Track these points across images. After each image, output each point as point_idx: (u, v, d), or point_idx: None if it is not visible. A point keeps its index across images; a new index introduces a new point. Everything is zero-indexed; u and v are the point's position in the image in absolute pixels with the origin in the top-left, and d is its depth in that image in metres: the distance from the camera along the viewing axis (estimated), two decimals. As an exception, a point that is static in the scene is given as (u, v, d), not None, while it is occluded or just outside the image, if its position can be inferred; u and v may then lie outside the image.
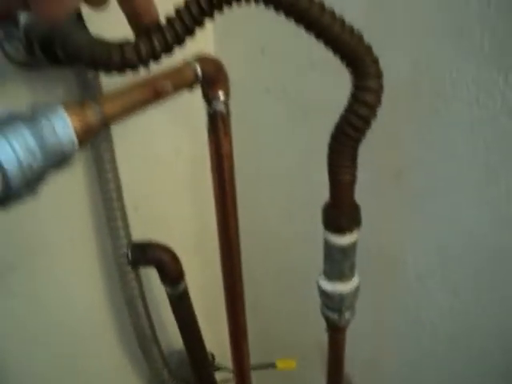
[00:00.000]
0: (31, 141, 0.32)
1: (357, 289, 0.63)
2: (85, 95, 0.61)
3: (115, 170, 0.68)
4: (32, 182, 0.33)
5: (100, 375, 0.85)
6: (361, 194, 0.55)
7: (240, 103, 0.66)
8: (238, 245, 0.63)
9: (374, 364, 0.88)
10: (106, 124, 0.39)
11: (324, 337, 0.71)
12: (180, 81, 0.49)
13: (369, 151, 0.52)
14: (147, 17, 0.39)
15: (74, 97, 0.64)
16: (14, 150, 0.31)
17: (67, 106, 0.34)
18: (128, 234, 0.72)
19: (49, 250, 0.71)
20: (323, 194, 0.53)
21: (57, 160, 0.34)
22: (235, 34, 0.79)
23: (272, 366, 0.93)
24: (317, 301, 0.64)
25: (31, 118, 0.33)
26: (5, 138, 0.32)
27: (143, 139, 0.80)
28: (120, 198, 0.69)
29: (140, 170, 0.79)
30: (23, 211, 0.61)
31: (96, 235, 0.76)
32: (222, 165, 0.56)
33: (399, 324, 0.78)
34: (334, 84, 0.57)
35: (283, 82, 0.76)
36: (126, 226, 0.72)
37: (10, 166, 0.31)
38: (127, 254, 0.72)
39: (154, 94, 0.45)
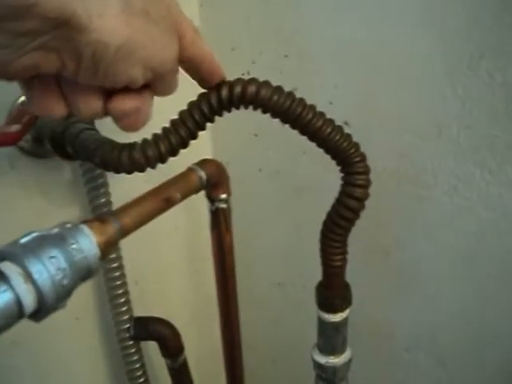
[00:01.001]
0: (61, 260, 0.37)
1: (349, 361, 0.67)
2: (90, 184, 0.66)
3: (118, 248, 0.73)
4: (62, 296, 0.37)
5: None
6: (351, 270, 0.60)
7: (234, 183, 0.72)
8: (237, 319, 0.68)
9: None
10: (124, 236, 0.44)
11: None
12: (187, 188, 0.54)
13: (359, 231, 0.57)
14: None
15: (78, 184, 0.68)
16: (47, 271, 0.36)
17: (90, 225, 0.39)
18: (130, 310, 0.76)
19: (54, 327, 0.74)
20: (315, 266, 0.58)
21: (83, 274, 0.39)
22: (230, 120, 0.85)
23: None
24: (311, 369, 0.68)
25: (60, 239, 0.38)
26: (39, 260, 0.37)
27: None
28: (122, 275, 0.73)
29: (140, 245, 0.83)
30: None
31: (99, 312, 0.80)
32: (224, 259, 0.61)
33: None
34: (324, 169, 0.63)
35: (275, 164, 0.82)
36: (128, 302, 0.76)
37: (45, 286, 0.36)
38: (129, 329, 0.76)
39: (165, 203, 0.50)
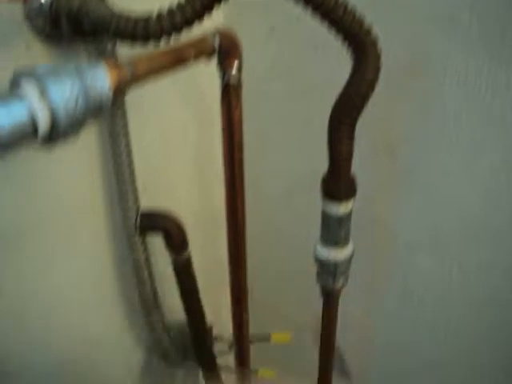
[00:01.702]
0: (77, 88, 0.39)
1: (351, 255, 0.69)
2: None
3: (128, 145, 0.74)
4: (74, 124, 0.39)
5: (100, 341, 0.91)
6: (356, 168, 0.62)
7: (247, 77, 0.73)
8: (243, 213, 0.69)
9: (364, 333, 0.95)
10: (135, 81, 0.45)
11: (319, 310, 0.78)
12: (200, 50, 0.55)
13: (365, 127, 0.59)
14: None
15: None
16: (63, 94, 0.38)
17: (107, 63, 0.41)
18: (137, 202, 0.78)
19: (60, 217, 0.77)
20: (322, 166, 0.60)
21: (95, 108, 0.40)
22: (245, 13, 0.85)
23: (267, 338, 0.99)
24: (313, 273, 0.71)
25: (77, 71, 0.40)
26: (56, 82, 0.38)
27: (154, 120, 0.86)
28: (132, 173, 0.75)
29: (150, 151, 0.85)
30: (37, 177, 0.69)
31: (106, 205, 0.82)
32: (233, 130, 0.62)
33: (389, 291, 0.85)
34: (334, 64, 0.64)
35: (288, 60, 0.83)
36: (135, 192, 0.78)
37: (59, 107, 0.37)
38: (136, 222, 0.78)
39: (178, 59, 0.51)
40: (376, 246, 0.83)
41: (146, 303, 0.85)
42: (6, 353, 0.74)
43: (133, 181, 0.77)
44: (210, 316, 0.98)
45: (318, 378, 0.88)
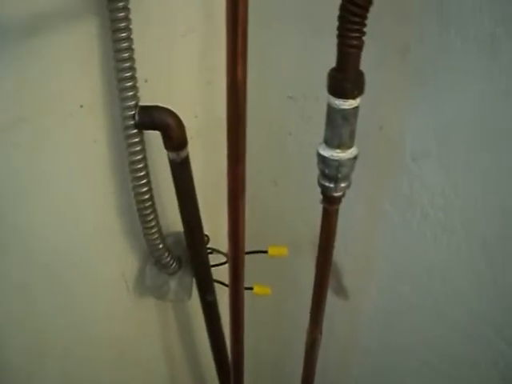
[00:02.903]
0: None
1: (354, 158, 0.68)
2: None
3: (130, 38, 0.72)
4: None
5: (92, 240, 0.91)
6: (366, 68, 0.60)
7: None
8: (244, 116, 0.67)
9: (364, 249, 0.94)
10: None
11: (317, 224, 0.77)
12: None
13: (376, 25, 0.57)
14: None
15: None
16: None
17: None
18: (136, 97, 0.76)
19: (59, 110, 0.75)
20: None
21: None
22: None
23: (264, 252, 0.99)
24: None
25: None
26: None
27: (157, 13, 0.84)
28: (132, 67, 0.74)
29: (152, 43, 0.83)
30: (37, 68, 0.68)
31: (105, 101, 0.80)
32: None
33: (392, 203, 0.84)
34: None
35: None
36: (135, 88, 0.76)
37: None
38: (134, 116, 0.77)
39: None
40: (381, 155, 0.81)
41: (143, 205, 0.84)
42: None
43: (133, 76, 0.75)
44: (208, 232, 0.98)
45: (313, 295, 0.88)
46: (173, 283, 0.97)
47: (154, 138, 0.79)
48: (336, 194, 0.72)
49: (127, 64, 0.74)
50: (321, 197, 0.74)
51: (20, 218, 0.78)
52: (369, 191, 0.86)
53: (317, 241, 0.82)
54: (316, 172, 0.71)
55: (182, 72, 0.93)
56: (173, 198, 0.87)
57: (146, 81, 0.84)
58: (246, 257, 0.91)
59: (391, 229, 0.86)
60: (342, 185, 0.71)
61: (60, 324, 0.93)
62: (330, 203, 0.74)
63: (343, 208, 0.75)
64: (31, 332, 0.88)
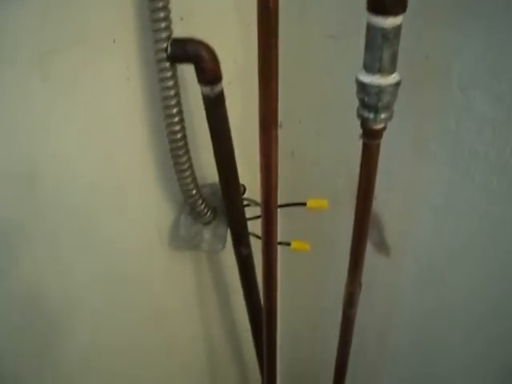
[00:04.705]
0: None
1: (397, 85, 0.65)
2: None
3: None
4: None
5: (126, 188, 0.91)
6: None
7: None
8: (276, 45, 0.65)
9: (406, 200, 0.91)
10: None
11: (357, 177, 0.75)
12: None
13: None
14: None
15: None
16: None
17: None
18: (169, 29, 0.75)
19: (91, 44, 0.75)
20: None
21: None
22: None
23: (303, 204, 0.97)
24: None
25: None
26: None
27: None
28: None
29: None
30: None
31: (138, 36, 0.80)
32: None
33: (436, 142, 0.81)
34: None
35: None
36: (169, 25, 0.75)
37: None
38: (166, 49, 0.75)
39: None
40: (426, 87, 0.78)
41: (175, 145, 0.83)
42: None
43: (166, 7, 0.74)
44: (246, 184, 0.97)
45: (352, 243, 0.85)
46: (207, 233, 0.96)
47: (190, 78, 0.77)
48: (376, 127, 0.69)
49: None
50: (361, 131, 0.71)
51: (49, 156, 0.77)
52: (412, 127, 0.82)
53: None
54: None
55: (219, 11, 0.91)
56: (208, 147, 0.86)
57: (181, 19, 0.82)
58: (284, 210, 0.89)
59: (436, 172, 0.83)
60: (383, 115, 0.68)
61: (89, 280, 0.92)
62: (371, 137, 0.71)
63: (383, 151, 0.72)
64: (58, 290, 0.87)
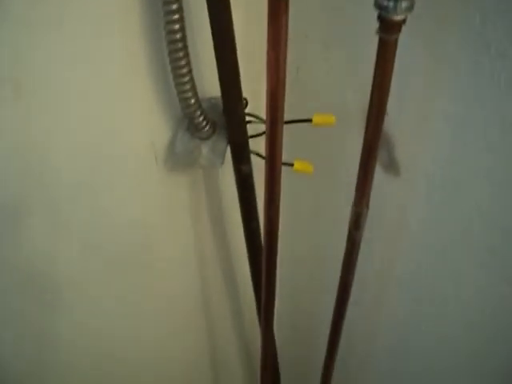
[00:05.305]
0: None
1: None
2: None
3: None
4: None
5: (122, 112, 0.86)
6: None
7: None
8: None
9: (419, 109, 0.85)
10: None
11: (369, 90, 0.69)
12: None
13: None
14: None
15: None
16: None
17: None
18: None
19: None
20: None
21: None
22: None
23: (308, 121, 0.91)
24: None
25: None
26: None
27: None
28: None
29: None
30: None
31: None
32: None
33: (457, 44, 0.75)
34: None
35: None
36: None
37: None
38: None
39: None
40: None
41: (174, 47, 0.77)
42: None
43: None
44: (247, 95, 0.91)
45: (360, 165, 0.80)
46: (205, 148, 0.91)
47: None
48: (396, 18, 0.63)
49: None
50: (377, 25, 0.65)
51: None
52: (430, 27, 0.76)
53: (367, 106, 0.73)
54: (372, 26, 0.63)
55: None
56: (209, 56, 0.80)
57: None
58: (289, 128, 0.84)
59: (456, 77, 0.77)
60: (404, 4, 0.61)
61: (81, 205, 0.88)
62: (389, 30, 0.65)
63: (397, 57, 0.66)
64: (46, 214, 0.83)
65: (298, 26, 0.87)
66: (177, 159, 0.93)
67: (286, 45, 0.64)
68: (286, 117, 0.75)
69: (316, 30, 0.96)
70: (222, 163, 0.91)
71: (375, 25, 0.64)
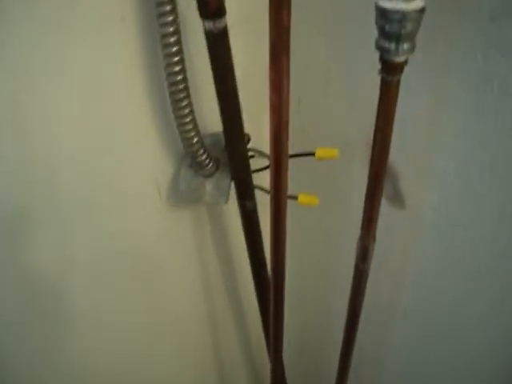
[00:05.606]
0: None
1: (421, 11, 0.59)
2: None
3: None
4: None
5: (126, 150, 0.87)
6: None
7: None
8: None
9: (424, 144, 0.85)
10: None
11: (372, 122, 0.69)
12: None
13: None
14: None
15: None
16: None
17: None
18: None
19: None
20: None
21: None
22: None
23: (311, 154, 0.91)
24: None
25: None
26: None
27: None
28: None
29: None
30: None
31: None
32: None
33: (460, 81, 0.74)
34: None
35: None
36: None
37: None
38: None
39: None
40: (450, 16, 0.71)
41: (175, 88, 0.77)
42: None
43: None
44: (250, 134, 0.92)
45: (366, 192, 0.79)
46: (209, 185, 0.91)
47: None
48: (398, 59, 0.63)
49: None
50: (379, 66, 0.65)
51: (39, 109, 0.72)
52: (433, 64, 0.75)
53: (371, 140, 0.73)
54: (373, 59, 0.63)
55: None
56: (210, 93, 0.80)
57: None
58: (292, 162, 0.83)
59: (460, 113, 0.76)
60: (405, 46, 0.61)
61: (87, 237, 0.88)
62: (391, 72, 0.65)
63: (401, 91, 0.66)
64: (55, 245, 0.83)
65: (300, 57, 0.86)
66: (180, 196, 0.93)
67: (288, 89, 0.64)
68: (289, 149, 0.74)
69: (318, 63, 0.96)
70: (227, 201, 0.90)
71: (377, 61, 0.63)
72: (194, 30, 0.73)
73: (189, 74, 0.78)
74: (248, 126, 0.88)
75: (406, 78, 0.64)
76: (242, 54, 0.84)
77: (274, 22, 0.58)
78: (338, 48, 0.92)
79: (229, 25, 0.72)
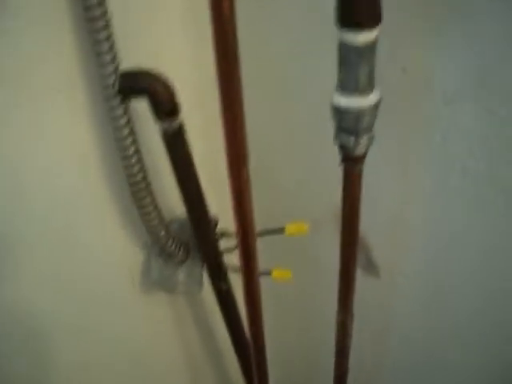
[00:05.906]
0: None
1: (376, 105, 0.58)
2: None
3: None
4: None
5: (89, 242, 0.84)
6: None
7: None
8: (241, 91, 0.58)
9: (393, 219, 0.85)
10: None
11: (339, 193, 0.68)
12: None
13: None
14: None
15: None
16: None
17: None
18: (116, 61, 0.67)
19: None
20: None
21: None
22: None
23: (281, 231, 0.90)
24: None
25: None
26: None
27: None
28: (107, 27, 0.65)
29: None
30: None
31: (82, 73, 0.73)
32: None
33: (421, 161, 0.74)
34: None
35: None
36: (114, 55, 0.67)
37: None
38: (114, 84, 0.68)
39: None
40: (406, 103, 0.71)
41: (136, 188, 0.75)
42: None
43: (109, 37, 0.66)
44: (216, 213, 0.90)
45: (340, 273, 0.78)
46: (181, 274, 0.89)
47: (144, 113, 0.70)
48: (358, 152, 0.62)
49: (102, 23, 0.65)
50: (340, 157, 0.64)
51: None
52: (395, 147, 0.75)
53: (340, 212, 0.72)
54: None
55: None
56: (172, 179, 0.78)
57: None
58: (262, 239, 0.82)
59: (424, 191, 0.76)
60: (364, 139, 0.61)
61: (66, 329, 0.85)
62: (352, 163, 0.64)
63: (366, 170, 0.65)
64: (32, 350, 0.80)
65: (257, 131, 0.86)
66: (154, 286, 0.91)
67: (250, 192, 0.62)
68: (257, 224, 0.72)
69: (274, 137, 0.95)
70: (201, 290, 0.89)
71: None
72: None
73: (149, 159, 0.77)
74: (215, 208, 0.86)
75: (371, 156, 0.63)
76: (199, 133, 0.83)
77: (229, 130, 0.57)
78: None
79: (185, 108, 0.71)
